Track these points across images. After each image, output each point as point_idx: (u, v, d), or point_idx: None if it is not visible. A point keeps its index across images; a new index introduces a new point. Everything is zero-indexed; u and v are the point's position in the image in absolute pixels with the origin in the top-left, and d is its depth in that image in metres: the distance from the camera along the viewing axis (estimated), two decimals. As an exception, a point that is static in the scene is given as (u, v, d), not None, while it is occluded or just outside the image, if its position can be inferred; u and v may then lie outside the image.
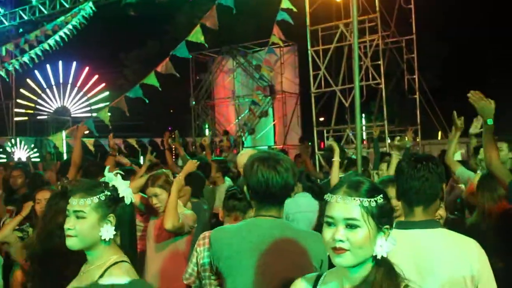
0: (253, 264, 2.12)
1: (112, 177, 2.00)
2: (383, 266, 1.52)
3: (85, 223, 1.89)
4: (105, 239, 1.91)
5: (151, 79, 5.99)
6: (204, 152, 13.04)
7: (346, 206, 1.49)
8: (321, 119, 15.69)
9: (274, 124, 18.00)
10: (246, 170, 2.23)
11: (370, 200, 1.49)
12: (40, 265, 2.64)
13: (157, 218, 3.66)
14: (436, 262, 2.00)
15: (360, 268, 1.52)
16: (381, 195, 1.52)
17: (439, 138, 14.64)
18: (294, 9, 7.02)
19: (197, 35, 5.45)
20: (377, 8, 10.32)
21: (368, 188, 1.52)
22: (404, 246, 2.01)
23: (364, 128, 12.47)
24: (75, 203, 1.91)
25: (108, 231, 1.91)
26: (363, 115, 17.05)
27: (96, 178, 2.45)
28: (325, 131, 10.99)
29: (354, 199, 1.49)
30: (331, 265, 1.65)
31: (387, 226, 1.53)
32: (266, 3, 10.25)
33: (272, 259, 2.12)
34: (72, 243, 1.90)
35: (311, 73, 10.71)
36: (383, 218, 1.52)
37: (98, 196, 1.91)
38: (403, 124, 13.88)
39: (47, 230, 2.66)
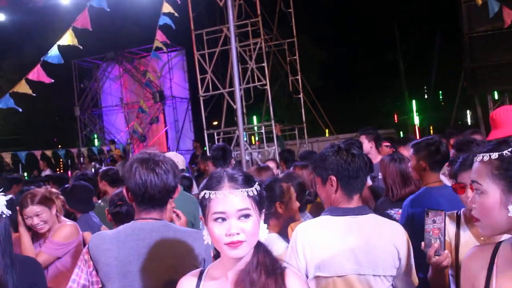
0: (132, 269, 2.05)
1: None
2: (262, 248, 1.59)
3: None
4: None
5: (23, 87, 5.55)
6: (93, 163, 12.50)
7: (236, 198, 1.54)
8: (215, 122, 15.74)
9: (166, 130, 17.74)
10: (125, 173, 2.16)
11: (253, 189, 1.56)
12: None
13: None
14: (369, 243, 2.19)
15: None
16: (257, 182, 1.61)
17: (327, 135, 15.45)
18: (175, 14, 6.94)
19: (69, 38, 5.15)
20: (259, 12, 10.64)
21: (245, 178, 1.59)
22: (343, 231, 2.21)
23: (256, 128, 12.75)
24: None
25: None
26: (255, 116, 17.47)
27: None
28: (215, 134, 11.06)
29: (241, 190, 1.54)
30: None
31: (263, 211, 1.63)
32: (147, 8, 10.07)
33: (152, 263, 2.07)
34: None
35: (198, 76, 10.74)
36: (262, 204, 1.61)
37: None
38: (292, 123, 14.44)
39: None
